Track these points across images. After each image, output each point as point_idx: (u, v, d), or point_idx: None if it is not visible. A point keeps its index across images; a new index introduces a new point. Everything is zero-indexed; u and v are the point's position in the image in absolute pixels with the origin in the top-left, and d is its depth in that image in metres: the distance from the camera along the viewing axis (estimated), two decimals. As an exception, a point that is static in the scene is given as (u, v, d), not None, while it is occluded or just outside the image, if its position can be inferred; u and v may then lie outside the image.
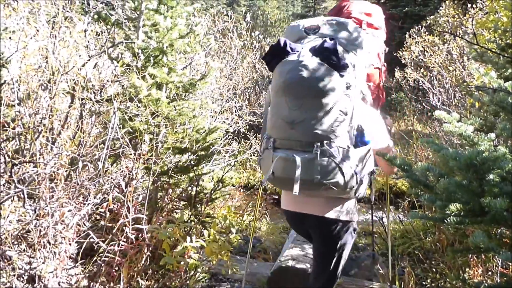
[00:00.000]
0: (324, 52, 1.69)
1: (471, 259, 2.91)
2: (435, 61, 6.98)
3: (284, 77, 1.72)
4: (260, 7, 27.75)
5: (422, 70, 7.67)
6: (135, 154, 2.87)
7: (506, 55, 2.78)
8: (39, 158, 2.69)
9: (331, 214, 1.89)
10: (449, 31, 7.45)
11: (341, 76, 1.71)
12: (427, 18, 9.50)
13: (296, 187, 1.64)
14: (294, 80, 1.69)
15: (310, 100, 1.70)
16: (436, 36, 7.97)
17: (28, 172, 2.66)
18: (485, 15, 6.30)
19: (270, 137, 1.82)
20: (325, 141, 1.69)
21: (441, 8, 8.76)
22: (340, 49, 1.74)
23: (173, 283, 2.80)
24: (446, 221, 1.20)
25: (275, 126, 1.79)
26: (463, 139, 1.83)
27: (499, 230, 1.55)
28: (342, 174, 1.70)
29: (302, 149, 1.72)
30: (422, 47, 8.26)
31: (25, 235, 2.75)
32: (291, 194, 1.86)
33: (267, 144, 1.82)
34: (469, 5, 7.25)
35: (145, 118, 3.00)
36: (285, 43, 1.77)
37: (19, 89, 3.04)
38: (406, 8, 15.21)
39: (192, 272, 2.89)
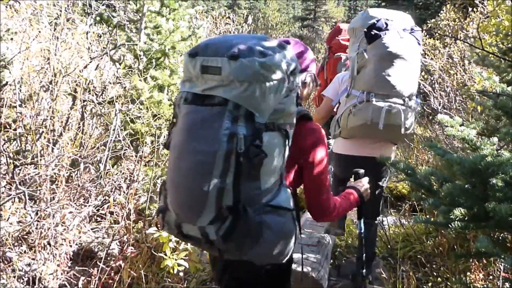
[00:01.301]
0: (415, 32, 2.41)
1: (473, 264, 2.90)
2: (436, 65, 6.98)
3: (389, 47, 2.30)
4: (261, 10, 27.80)
5: (423, 73, 7.67)
6: (136, 156, 2.87)
7: (508, 59, 2.79)
8: (40, 160, 2.69)
9: (392, 155, 2.57)
10: (450, 35, 7.46)
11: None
12: (428, 21, 9.51)
13: (403, 130, 2.31)
14: (399, 49, 2.30)
15: (407, 64, 2.32)
16: (437, 40, 7.98)
17: (29, 173, 2.66)
18: (486, 19, 6.31)
19: (370, 92, 2.34)
20: (412, 96, 2.35)
21: (441, 12, 8.77)
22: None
23: (173, 286, 2.79)
24: (450, 226, 1.20)
25: (378, 84, 2.32)
26: (465, 143, 1.83)
27: (501, 235, 1.54)
28: (415, 121, 2.38)
29: (398, 101, 2.32)
30: (423, 50, 8.27)
31: (26, 237, 2.75)
32: (361, 141, 2.48)
33: (367, 97, 2.33)
34: (469, 9, 7.25)
35: (147, 120, 3.00)
36: (386, 24, 2.36)
37: (20, 90, 3.04)
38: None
39: (193, 274, 2.88)
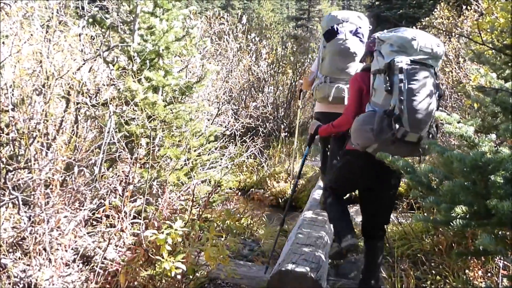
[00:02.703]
0: (358, 34, 3.40)
1: (471, 261, 2.89)
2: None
3: (338, 47, 3.38)
4: (255, 10, 27.78)
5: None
6: (131, 158, 2.84)
7: (508, 54, 2.79)
8: (34, 164, 2.65)
9: None
10: (444, 32, 7.46)
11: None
12: (422, 20, 9.52)
13: (345, 101, 3.37)
14: (344, 48, 3.37)
15: (351, 59, 3.39)
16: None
17: (23, 178, 2.61)
18: (480, 17, 6.32)
19: (327, 76, 3.49)
20: None
21: (435, 10, 8.78)
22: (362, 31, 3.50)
23: (171, 289, 2.75)
24: (452, 224, 1.18)
25: (331, 71, 3.46)
26: (464, 140, 1.82)
27: (500, 232, 1.52)
28: None
29: (342, 82, 3.46)
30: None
31: (20, 242, 2.70)
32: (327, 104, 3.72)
33: (325, 80, 3.51)
34: (464, 7, 7.26)
35: (142, 122, 2.96)
36: (337, 29, 3.38)
37: (13, 94, 3.00)
38: (401, 10, 15.27)
39: (191, 277, 2.85)
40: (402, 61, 2.32)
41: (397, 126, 2.29)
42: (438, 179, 1.35)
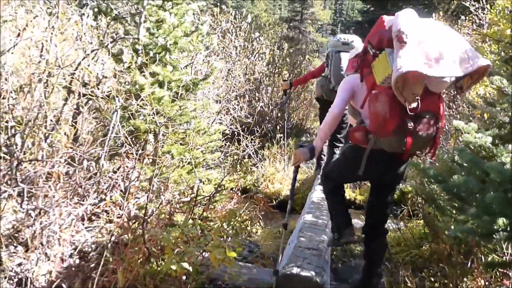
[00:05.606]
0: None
1: (475, 270, 2.90)
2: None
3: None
4: (248, 9, 27.68)
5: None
6: (136, 154, 2.76)
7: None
8: (36, 155, 2.55)
9: None
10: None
11: None
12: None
13: None
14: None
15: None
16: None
17: (29, 170, 2.51)
18: (478, 28, 6.40)
19: None
20: None
21: (432, 18, 8.85)
22: None
23: (172, 288, 2.69)
24: (494, 237, 1.17)
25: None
26: (482, 150, 1.81)
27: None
28: None
29: None
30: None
31: (16, 235, 2.61)
32: None
33: None
34: (462, 17, 7.33)
35: (150, 116, 2.88)
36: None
37: (10, 77, 2.88)
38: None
39: (192, 277, 2.79)
40: (332, 51, 4.64)
41: (328, 82, 4.65)
42: (472, 190, 1.33)
